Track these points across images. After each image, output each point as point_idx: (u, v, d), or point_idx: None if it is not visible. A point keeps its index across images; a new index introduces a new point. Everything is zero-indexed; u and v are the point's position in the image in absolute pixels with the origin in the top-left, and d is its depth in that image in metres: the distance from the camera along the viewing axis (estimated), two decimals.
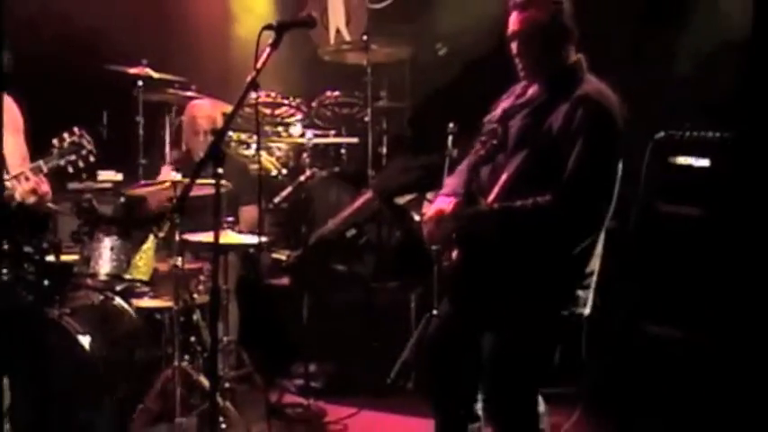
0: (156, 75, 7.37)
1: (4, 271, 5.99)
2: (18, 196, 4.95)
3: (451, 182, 4.46)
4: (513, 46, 4.25)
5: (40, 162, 4.91)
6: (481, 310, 4.20)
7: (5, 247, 6.02)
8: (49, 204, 6.18)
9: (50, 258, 6.11)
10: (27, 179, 4.91)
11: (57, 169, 4.92)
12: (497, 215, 4.11)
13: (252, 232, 6.04)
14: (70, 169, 4.90)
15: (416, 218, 6.62)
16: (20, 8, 8.19)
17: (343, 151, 7.75)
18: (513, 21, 4.24)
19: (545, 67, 4.23)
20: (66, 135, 4.87)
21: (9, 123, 5.17)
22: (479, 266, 4.19)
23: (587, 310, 4.19)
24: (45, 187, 5.08)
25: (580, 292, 4.17)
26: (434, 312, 6.01)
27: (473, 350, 4.23)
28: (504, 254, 4.11)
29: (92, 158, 4.93)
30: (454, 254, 4.27)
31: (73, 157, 4.87)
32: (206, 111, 6.58)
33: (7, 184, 4.93)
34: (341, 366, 6.48)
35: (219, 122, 6.41)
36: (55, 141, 4.88)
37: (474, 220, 4.17)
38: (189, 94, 7.24)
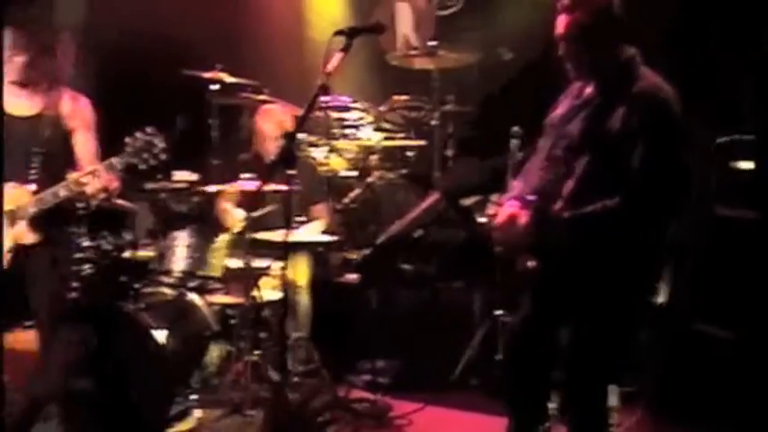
0: (229, 79, 7.50)
1: (85, 267, 6.18)
2: (89, 192, 5.07)
3: (518, 185, 4.47)
4: (561, 48, 4.24)
5: (113, 159, 5.01)
6: (561, 310, 4.21)
7: (86, 243, 6.19)
8: (127, 202, 6.35)
9: (127, 255, 6.28)
10: (99, 176, 5.02)
11: (129, 167, 5.01)
12: (568, 224, 4.12)
13: (323, 232, 6.13)
14: (142, 167, 4.97)
15: (481, 219, 6.67)
16: (101, 13, 8.44)
17: (410, 154, 7.81)
18: (560, 23, 4.21)
19: (596, 68, 4.22)
20: (139, 134, 4.95)
21: (81, 120, 5.32)
22: (557, 271, 4.19)
23: (662, 299, 4.18)
24: (115, 184, 5.19)
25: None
26: (498, 312, 6.09)
27: (551, 350, 4.26)
28: (581, 258, 4.10)
29: (163, 157, 4.98)
30: (530, 262, 4.31)
31: (145, 155, 4.94)
32: (276, 114, 6.68)
33: (81, 179, 5.06)
34: (407, 363, 6.54)
35: (290, 126, 6.51)
36: (128, 140, 4.96)
37: (546, 233, 4.18)
38: (261, 97, 7.35)
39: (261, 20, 8.48)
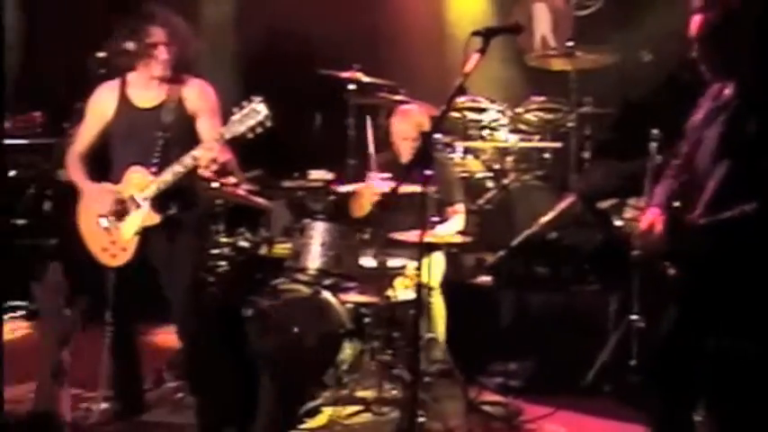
0: (366, 79, 7.55)
1: (222, 263, 6.30)
2: (202, 164, 5.17)
3: (659, 191, 4.38)
4: (695, 49, 4.14)
5: (221, 130, 5.11)
6: (705, 319, 4.10)
7: (223, 240, 6.31)
8: (263, 200, 6.44)
9: (263, 252, 6.36)
10: (210, 149, 5.12)
11: (237, 136, 5.08)
12: (705, 231, 4.02)
13: (457, 232, 6.11)
14: (249, 135, 5.04)
15: (617, 222, 6.56)
16: (244, 10, 8.59)
17: (546, 155, 7.74)
18: (693, 24, 4.12)
19: (730, 69, 4.10)
20: (244, 103, 5.05)
21: (204, 105, 5.44)
22: (697, 279, 4.10)
23: None
24: (227, 156, 5.28)
25: None
26: (633, 317, 5.97)
27: (697, 360, 4.16)
28: (720, 266, 4.00)
29: (269, 123, 5.04)
30: (671, 270, 4.22)
31: (252, 123, 5.02)
32: (413, 115, 6.67)
33: (194, 154, 5.17)
34: (540, 366, 6.47)
35: (426, 126, 6.50)
36: (235, 109, 5.06)
37: (682, 240, 4.10)
38: (398, 98, 7.37)
39: (400, 19, 8.51)
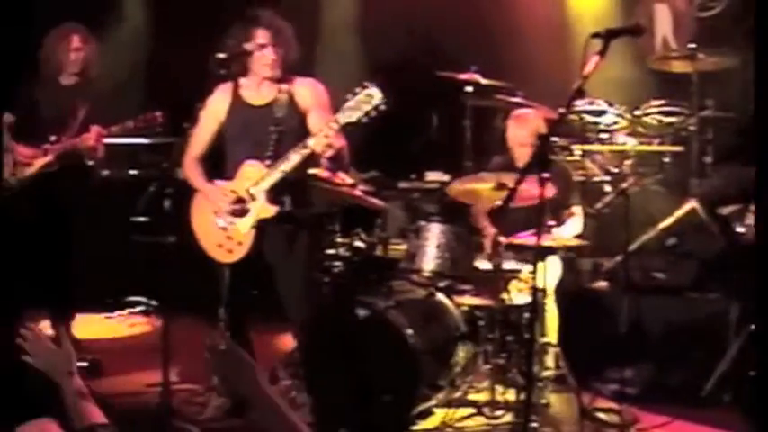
0: (484, 81, 7.52)
1: (337, 263, 6.33)
2: (317, 150, 5.22)
3: None
4: None
5: (336, 116, 5.18)
6: None
7: (339, 241, 6.35)
8: (379, 201, 6.47)
9: (378, 253, 6.39)
10: (325, 135, 5.18)
11: (352, 122, 5.14)
12: None
13: (574, 236, 6.05)
14: (364, 120, 5.10)
15: (739, 229, 6.41)
16: (363, 16, 8.63)
17: (666, 160, 7.61)
18: None
19: None
20: (357, 89, 5.09)
21: (314, 101, 5.55)
22: None
23: None
24: (341, 142, 5.35)
25: None
26: (755, 326, 5.83)
27: None
28: None
29: (383, 108, 5.10)
30: None
31: (365, 108, 5.08)
32: (530, 117, 6.62)
33: (307, 142, 5.25)
34: (656, 374, 6.36)
35: (543, 129, 6.45)
36: (348, 96, 5.12)
37: None
38: (515, 100, 7.33)
39: (518, 19, 8.44)
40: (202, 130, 5.58)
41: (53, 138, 6.87)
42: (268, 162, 5.37)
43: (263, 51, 5.46)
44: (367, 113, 5.10)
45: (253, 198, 5.39)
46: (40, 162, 6.90)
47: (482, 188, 5.93)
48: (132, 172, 8.65)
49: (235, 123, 5.55)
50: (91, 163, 7.06)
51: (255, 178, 5.38)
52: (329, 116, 5.38)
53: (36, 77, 7.06)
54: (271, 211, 5.39)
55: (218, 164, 5.69)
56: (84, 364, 6.50)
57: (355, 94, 5.11)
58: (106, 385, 6.10)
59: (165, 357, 4.88)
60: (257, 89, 5.54)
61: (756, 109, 4.15)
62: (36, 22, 7.58)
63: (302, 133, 5.36)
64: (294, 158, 5.26)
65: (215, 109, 5.56)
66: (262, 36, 5.46)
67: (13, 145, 6.95)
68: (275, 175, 5.33)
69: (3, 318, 7.02)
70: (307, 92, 5.52)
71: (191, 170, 5.59)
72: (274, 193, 5.39)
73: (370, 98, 5.09)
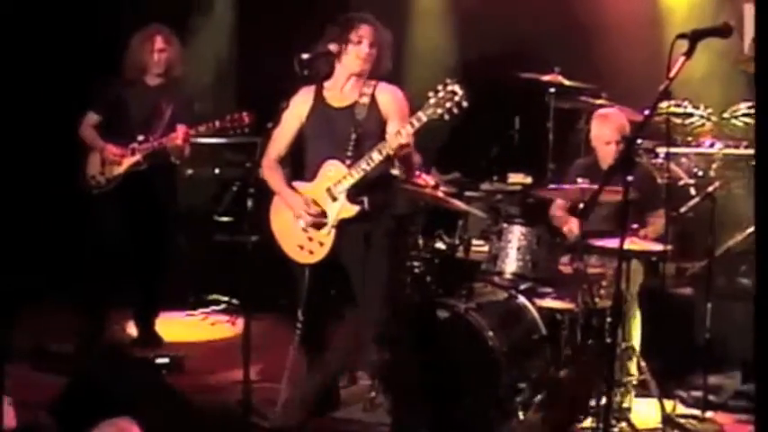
0: (567, 82, 7.48)
1: (416, 264, 6.35)
2: (395, 145, 5.22)
3: None
4: None
5: (418, 113, 5.16)
6: None
7: (420, 242, 6.37)
8: (461, 203, 6.47)
9: (460, 255, 6.39)
10: (406, 132, 5.19)
11: (433, 118, 5.12)
12: None
13: (657, 240, 5.99)
14: (446, 117, 5.09)
15: None
16: (446, 17, 8.64)
17: (755, 163, 7.48)
18: None
19: None
20: (439, 86, 5.09)
21: (395, 109, 5.52)
22: None
23: None
24: (415, 156, 5.39)
25: None
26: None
27: None
28: None
29: (465, 104, 5.07)
30: None
31: (448, 105, 5.06)
32: (614, 119, 6.56)
33: (389, 139, 5.26)
34: (742, 382, 6.27)
35: (627, 131, 6.39)
36: (431, 93, 5.10)
37: None
38: (599, 101, 7.27)
39: (603, 18, 8.36)
40: (284, 130, 5.61)
41: (141, 137, 6.99)
42: (348, 162, 5.40)
43: (359, 45, 5.47)
44: (449, 111, 5.09)
45: (334, 198, 5.42)
46: (128, 161, 7.03)
47: None
48: (216, 171, 8.76)
49: (316, 124, 5.59)
50: (177, 162, 7.18)
51: (337, 177, 5.41)
52: (405, 124, 5.38)
53: (122, 78, 7.20)
54: (352, 210, 5.42)
55: (299, 165, 5.72)
56: (166, 360, 6.62)
57: (437, 92, 5.11)
58: (187, 381, 6.18)
59: (245, 356, 4.93)
60: (340, 91, 5.57)
61: (756, 108, 4.07)
62: (122, 23, 7.71)
63: (381, 138, 5.38)
64: (376, 157, 5.28)
65: (297, 110, 5.60)
66: (364, 31, 5.47)
67: (102, 144, 7.09)
68: (357, 175, 5.35)
69: (90, 316, 7.19)
70: (389, 98, 5.52)
71: (270, 172, 5.63)
72: (355, 193, 5.41)
73: (452, 95, 5.09)
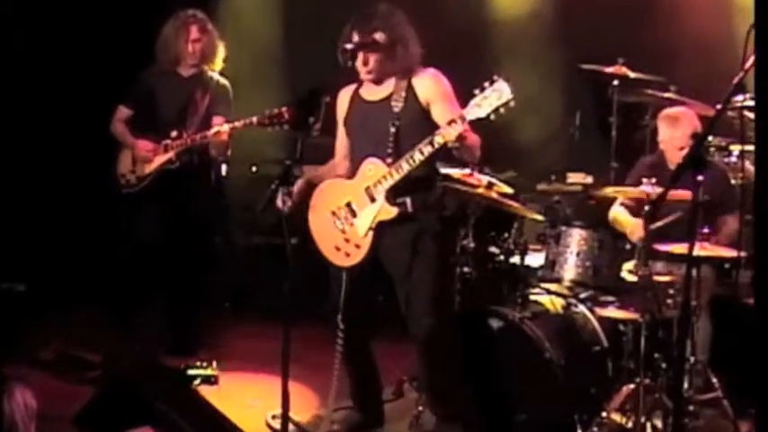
0: (632, 74, 7.41)
1: (467, 269, 6.31)
2: (446, 138, 5.17)
3: None
4: None
5: (463, 111, 5.13)
6: None
7: (471, 246, 6.32)
8: (517, 204, 6.42)
9: (515, 260, 6.34)
10: (454, 126, 5.13)
11: (479, 117, 5.08)
12: None
13: (730, 245, 5.91)
14: (492, 117, 5.05)
15: None
16: None
17: None
18: None
19: None
20: (486, 83, 5.05)
21: (436, 92, 5.48)
22: None
23: None
24: (473, 136, 5.30)
25: None
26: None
27: None
28: None
29: (512, 104, 5.04)
30: None
31: (496, 103, 5.03)
32: (683, 114, 6.49)
33: (436, 138, 5.21)
34: None
35: (697, 127, 6.31)
36: (477, 91, 5.07)
37: None
38: (667, 95, 7.19)
39: (674, 6, 8.27)
40: (339, 136, 5.75)
41: (174, 133, 6.99)
42: (389, 161, 5.37)
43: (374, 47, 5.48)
44: (495, 110, 5.05)
45: (372, 198, 5.40)
46: (160, 159, 7.03)
47: None
48: (253, 169, 8.76)
49: (354, 121, 5.62)
50: (220, 158, 7.19)
51: (376, 177, 5.39)
52: (455, 106, 5.35)
53: (154, 68, 7.21)
54: (392, 212, 5.39)
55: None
56: (199, 371, 6.62)
57: (483, 89, 5.07)
58: (221, 393, 6.19)
59: (284, 365, 4.92)
60: (375, 85, 5.57)
61: (756, 109, 4.00)
62: (156, 6, 7.70)
63: (423, 128, 5.33)
64: (417, 157, 5.24)
65: (340, 110, 5.69)
66: (356, 37, 5.47)
67: (132, 141, 7.11)
68: (397, 175, 5.32)
69: (120, 323, 7.23)
70: (427, 83, 5.48)
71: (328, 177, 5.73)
72: (396, 194, 5.38)
73: (499, 94, 5.04)
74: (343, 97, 5.69)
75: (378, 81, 5.54)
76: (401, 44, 5.48)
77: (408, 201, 5.42)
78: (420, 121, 5.41)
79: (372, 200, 5.40)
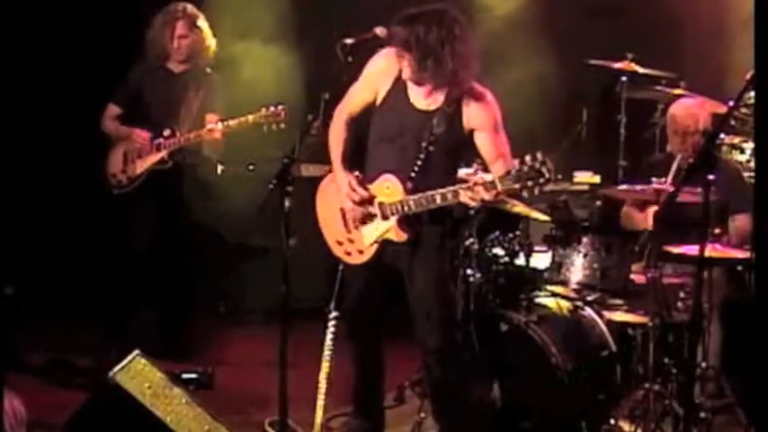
0: (641, 70, 7.40)
1: (471, 272, 6.31)
2: (466, 201, 5.10)
3: None
4: None
5: (496, 179, 4.99)
6: None
7: (476, 248, 6.32)
8: (522, 204, 6.42)
9: (520, 262, 6.34)
10: (478, 189, 5.03)
11: (509, 192, 5.03)
12: None
13: (742, 246, 5.91)
14: (524, 194, 4.96)
15: None
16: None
17: None
18: None
19: None
20: (528, 158, 4.87)
21: (483, 120, 5.31)
22: None
23: None
24: (489, 196, 5.11)
25: None
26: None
27: None
28: None
29: (547, 188, 4.96)
30: None
31: (530, 183, 4.87)
32: (690, 110, 6.50)
33: (461, 190, 5.09)
34: None
35: (707, 124, 6.32)
36: (516, 162, 4.91)
37: None
38: (677, 91, 7.19)
39: (680, 3, 8.27)
40: (360, 89, 5.47)
41: (167, 132, 6.98)
42: (410, 185, 5.28)
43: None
44: (530, 189, 4.92)
45: (385, 217, 5.34)
46: (152, 158, 7.02)
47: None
48: (251, 167, 8.74)
49: (388, 118, 5.42)
50: (213, 157, 7.18)
51: (392, 198, 5.29)
52: (500, 138, 5.27)
53: (143, 64, 7.20)
54: (402, 237, 5.33)
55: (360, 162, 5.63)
56: (193, 375, 6.61)
57: (523, 162, 4.90)
58: (216, 398, 6.18)
59: (282, 370, 4.92)
60: (423, 88, 5.35)
61: (756, 108, 4.01)
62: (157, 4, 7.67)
63: (460, 153, 5.29)
64: (439, 201, 5.14)
65: (376, 78, 5.42)
66: (393, 32, 5.26)
67: (127, 130, 7.08)
68: (415, 208, 5.24)
69: (111, 327, 7.23)
70: (476, 107, 5.29)
71: (336, 132, 5.50)
72: (409, 221, 5.33)
73: (538, 175, 4.87)
74: (385, 67, 5.39)
75: (426, 87, 5.32)
76: (445, 52, 5.18)
77: (421, 230, 5.36)
78: (456, 149, 5.34)
79: (385, 218, 5.35)
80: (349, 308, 5.52)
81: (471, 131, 5.32)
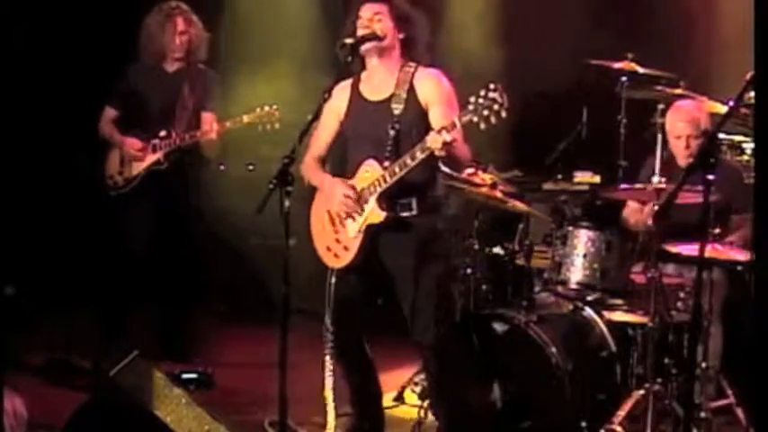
0: (641, 70, 7.41)
1: (469, 271, 6.32)
2: (433, 146, 5.15)
3: None
4: None
5: (454, 117, 5.13)
6: None
7: (475, 247, 6.33)
8: (522, 204, 6.43)
9: (520, 262, 6.35)
10: (444, 133, 5.12)
11: (470, 123, 5.08)
12: None
13: (744, 247, 5.92)
14: (482, 125, 5.04)
15: None
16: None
17: None
18: None
19: None
20: (481, 91, 5.03)
21: (439, 95, 5.49)
22: None
23: None
24: (463, 150, 5.37)
25: None
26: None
27: None
28: None
29: (503, 114, 5.01)
30: None
31: (486, 113, 5.00)
32: (689, 110, 6.50)
33: (427, 143, 5.19)
34: None
35: (706, 124, 6.32)
36: (471, 98, 5.05)
37: None
38: (677, 91, 7.19)
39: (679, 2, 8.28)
40: (323, 128, 5.64)
41: (163, 133, 6.99)
42: (386, 164, 5.37)
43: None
44: (486, 119, 5.02)
45: (366, 201, 5.41)
46: (148, 160, 7.03)
47: None
48: (250, 168, 8.76)
49: (354, 121, 5.61)
50: (209, 157, 7.19)
51: (371, 180, 5.39)
52: (453, 110, 5.35)
53: (137, 64, 7.20)
54: (380, 216, 5.39)
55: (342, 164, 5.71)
56: (193, 375, 6.63)
57: (477, 97, 5.05)
58: (217, 399, 6.19)
59: (281, 371, 4.93)
60: (376, 83, 5.57)
61: (756, 109, 4.02)
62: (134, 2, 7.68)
63: (425, 129, 5.35)
64: (409, 162, 5.24)
65: (335, 105, 5.61)
66: (364, 10, 5.49)
67: (121, 139, 7.11)
68: (389, 179, 5.32)
69: (111, 328, 7.23)
70: (429, 85, 5.50)
71: (312, 171, 5.65)
72: (389, 197, 5.38)
73: (491, 102, 5.02)
74: (340, 95, 5.63)
75: (382, 77, 5.54)
76: (411, 25, 5.54)
77: (414, 201, 5.42)
78: (420, 124, 5.42)
79: (365, 201, 5.41)
80: (337, 326, 5.55)
81: (427, 107, 5.48)
